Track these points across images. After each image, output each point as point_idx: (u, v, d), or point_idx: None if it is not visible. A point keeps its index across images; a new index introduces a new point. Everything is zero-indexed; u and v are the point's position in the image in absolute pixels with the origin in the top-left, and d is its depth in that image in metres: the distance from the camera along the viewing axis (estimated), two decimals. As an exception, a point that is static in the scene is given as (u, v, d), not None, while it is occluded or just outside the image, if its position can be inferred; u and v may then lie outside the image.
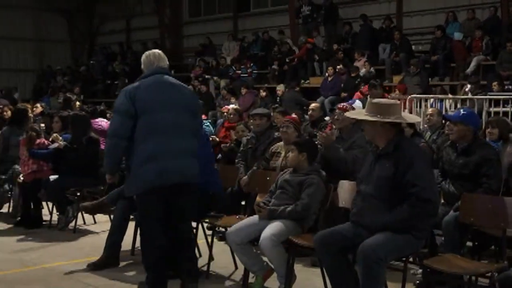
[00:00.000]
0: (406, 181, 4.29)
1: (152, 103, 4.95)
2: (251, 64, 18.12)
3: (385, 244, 4.25)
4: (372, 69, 14.73)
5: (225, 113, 10.76)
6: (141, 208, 5.16)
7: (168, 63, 5.34)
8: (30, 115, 8.73)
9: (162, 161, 4.89)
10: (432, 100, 11.30)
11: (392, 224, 4.31)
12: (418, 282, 5.41)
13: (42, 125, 9.29)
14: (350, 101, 6.76)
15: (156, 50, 5.40)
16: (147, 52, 5.38)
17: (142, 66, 5.29)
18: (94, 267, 5.97)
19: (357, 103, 6.73)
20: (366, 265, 4.19)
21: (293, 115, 7.72)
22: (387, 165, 4.40)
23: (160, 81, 5.10)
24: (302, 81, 16.72)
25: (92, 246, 6.94)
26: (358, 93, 13.11)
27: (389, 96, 11.59)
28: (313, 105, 10.46)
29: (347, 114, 5.80)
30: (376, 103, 4.60)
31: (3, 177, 8.50)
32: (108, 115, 10.97)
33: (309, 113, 10.03)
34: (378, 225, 4.36)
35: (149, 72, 5.16)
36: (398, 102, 5.31)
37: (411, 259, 4.88)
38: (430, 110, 8.49)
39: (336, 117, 6.65)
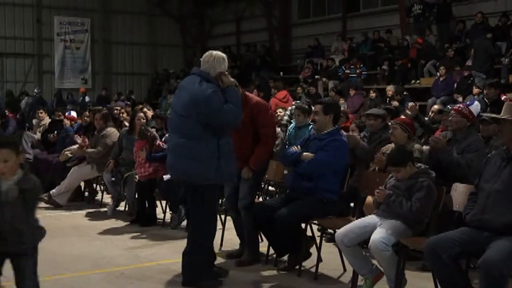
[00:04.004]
0: None
1: (172, 104, 5.73)
2: (361, 65, 17.95)
3: (509, 256, 4.06)
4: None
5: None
6: None
7: (215, 66, 5.42)
8: (141, 116, 8.97)
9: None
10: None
11: None
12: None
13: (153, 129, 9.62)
14: (468, 102, 6.51)
15: (208, 52, 5.56)
16: None
17: None
18: (240, 264, 6.21)
19: (475, 105, 6.47)
20: (488, 282, 4.03)
21: (402, 116, 7.58)
22: None
23: (181, 84, 5.67)
24: (413, 81, 16.39)
25: (204, 245, 7.11)
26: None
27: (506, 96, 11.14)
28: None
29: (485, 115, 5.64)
30: None
31: (113, 179, 8.86)
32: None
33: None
34: (505, 220, 4.21)
35: None
36: None
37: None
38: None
39: (450, 118, 6.44)
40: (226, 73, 5.47)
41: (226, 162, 5.37)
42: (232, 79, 5.49)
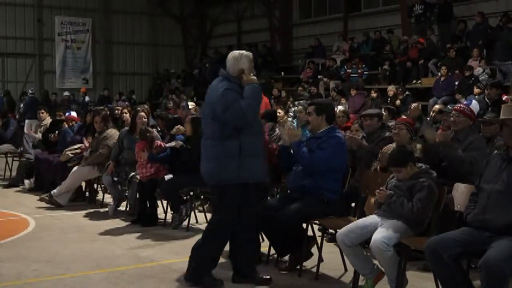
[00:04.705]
0: None
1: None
2: (363, 65, 17.97)
3: (510, 256, 4.06)
4: (488, 69, 14.22)
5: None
6: None
7: (234, 64, 5.45)
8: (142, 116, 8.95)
9: None
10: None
11: None
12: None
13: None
14: (466, 102, 6.52)
15: (231, 52, 5.61)
16: None
17: None
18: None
19: (474, 104, 6.48)
20: (489, 282, 4.03)
21: (403, 116, 7.59)
22: None
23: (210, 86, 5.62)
24: (414, 81, 16.40)
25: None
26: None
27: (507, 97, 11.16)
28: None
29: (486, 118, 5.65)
30: None
31: (115, 179, 8.87)
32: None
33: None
34: (506, 220, 4.21)
35: None
36: None
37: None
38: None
39: (452, 118, 6.44)
40: (246, 71, 5.45)
41: (249, 162, 5.34)
42: (252, 77, 5.47)
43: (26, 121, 16.31)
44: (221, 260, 6.37)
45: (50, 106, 17.55)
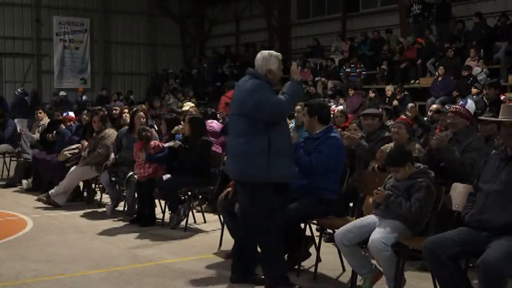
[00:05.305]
0: None
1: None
2: (361, 65, 17.98)
3: (508, 256, 4.06)
4: (486, 69, 14.24)
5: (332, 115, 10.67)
6: None
7: (263, 64, 5.40)
8: (141, 116, 8.97)
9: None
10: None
11: None
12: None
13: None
14: (461, 103, 6.52)
15: (260, 52, 5.55)
16: None
17: None
18: None
19: (470, 104, 6.48)
20: (487, 281, 4.04)
21: (402, 116, 7.60)
22: None
23: (236, 84, 5.57)
24: (412, 81, 16.41)
25: (203, 245, 7.12)
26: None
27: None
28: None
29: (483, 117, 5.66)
30: None
31: (113, 179, 8.87)
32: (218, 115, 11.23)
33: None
34: (504, 220, 4.22)
35: None
36: None
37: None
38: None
39: (449, 120, 6.44)
40: (273, 70, 5.39)
41: (277, 160, 5.25)
42: (297, 74, 5.48)
43: (16, 120, 16.28)
44: (221, 260, 6.40)
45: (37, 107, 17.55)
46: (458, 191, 5.32)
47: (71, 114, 11.81)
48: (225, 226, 6.88)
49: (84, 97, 23.46)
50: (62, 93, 23.44)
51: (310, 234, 6.10)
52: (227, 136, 6.49)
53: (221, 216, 6.82)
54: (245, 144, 5.25)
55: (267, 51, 5.53)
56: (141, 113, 8.98)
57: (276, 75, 5.43)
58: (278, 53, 5.52)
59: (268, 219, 5.34)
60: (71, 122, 11.18)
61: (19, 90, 22.08)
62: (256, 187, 5.31)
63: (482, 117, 6.07)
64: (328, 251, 6.38)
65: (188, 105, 12.43)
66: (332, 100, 15.60)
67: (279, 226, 5.46)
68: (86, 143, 9.59)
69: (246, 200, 5.48)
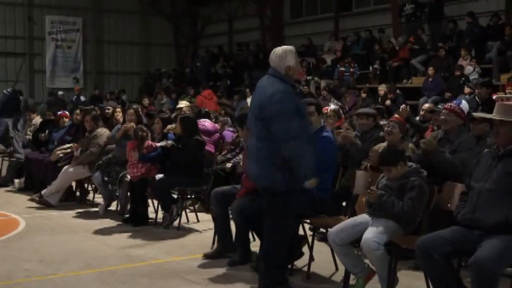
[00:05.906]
0: None
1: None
2: (355, 65, 17.99)
3: (500, 255, 4.08)
4: (478, 68, 14.29)
5: (325, 114, 10.66)
6: None
7: (281, 62, 5.23)
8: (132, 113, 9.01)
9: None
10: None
11: None
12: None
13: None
14: (455, 101, 6.55)
15: (276, 48, 5.35)
16: None
17: None
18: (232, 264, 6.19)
19: (464, 103, 6.51)
20: (479, 280, 4.05)
21: (396, 115, 7.61)
22: None
23: (257, 85, 5.38)
24: (405, 80, 16.44)
25: (195, 244, 7.11)
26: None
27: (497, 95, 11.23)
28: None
29: (476, 115, 5.66)
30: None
31: (106, 178, 8.84)
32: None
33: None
34: (496, 219, 4.23)
35: None
36: None
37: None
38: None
39: (443, 117, 6.45)
40: (292, 66, 5.21)
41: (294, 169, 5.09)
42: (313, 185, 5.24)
43: (5, 119, 16.21)
44: (214, 259, 6.38)
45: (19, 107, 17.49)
46: (451, 190, 5.34)
47: (66, 113, 11.76)
48: (225, 226, 6.72)
49: (82, 98, 23.28)
50: (60, 92, 23.34)
51: (303, 233, 6.10)
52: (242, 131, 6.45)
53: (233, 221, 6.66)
54: (265, 150, 5.13)
55: (281, 48, 5.31)
56: (131, 111, 8.98)
57: (295, 69, 5.29)
58: (291, 47, 5.34)
59: (284, 227, 5.29)
60: (66, 119, 11.10)
61: (9, 89, 21.98)
62: (275, 192, 5.20)
63: (475, 114, 6.06)
64: (321, 250, 6.39)
65: (183, 103, 12.40)
66: (334, 99, 15.51)
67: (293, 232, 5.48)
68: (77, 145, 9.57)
69: (266, 204, 5.37)
